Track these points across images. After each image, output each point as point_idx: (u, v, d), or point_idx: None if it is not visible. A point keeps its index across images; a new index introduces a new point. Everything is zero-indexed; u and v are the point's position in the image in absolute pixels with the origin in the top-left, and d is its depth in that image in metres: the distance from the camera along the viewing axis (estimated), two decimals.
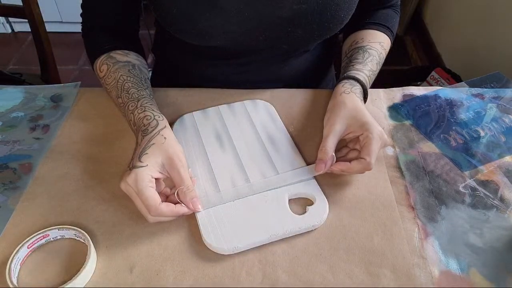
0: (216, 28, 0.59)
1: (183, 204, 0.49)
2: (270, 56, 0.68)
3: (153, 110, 0.55)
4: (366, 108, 0.62)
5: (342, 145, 0.57)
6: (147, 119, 0.53)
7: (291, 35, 0.61)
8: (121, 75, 0.59)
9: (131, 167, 0.48)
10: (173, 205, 0.48)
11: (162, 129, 0.52)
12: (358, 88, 0.59)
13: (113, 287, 0.45)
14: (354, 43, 0.68)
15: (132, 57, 0.63)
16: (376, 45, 0.66)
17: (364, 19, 0.70)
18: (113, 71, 0.60)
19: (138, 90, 0.57)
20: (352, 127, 0.54)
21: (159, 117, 0.54)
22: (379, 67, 0.66)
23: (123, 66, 0.61)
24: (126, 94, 0.57)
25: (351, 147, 0.56)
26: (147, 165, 0.48)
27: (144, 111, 0.54)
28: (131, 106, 0.56)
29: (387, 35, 0.69)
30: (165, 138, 0.51)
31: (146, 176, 0.47)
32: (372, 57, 0.64)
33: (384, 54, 0.67)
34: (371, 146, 0.51)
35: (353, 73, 0.61)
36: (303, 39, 0.62)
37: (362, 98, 0.59)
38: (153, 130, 0.51)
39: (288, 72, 0.72)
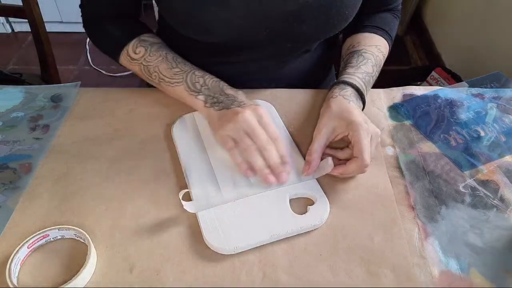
0: (220, 22, 0.59)
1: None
2: (273, 54, 0.68)
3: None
4: (367, 108, 0.62)
5: (344, 145, 0.57)
6: (224, 83, 0.61)
7: (296, 31, 0.61)
8: (166, 52, 0.63)
9: (248, 104, 0.57)
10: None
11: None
12: (348, 91, 0.59)
13: (113, 287, 0.45)
14: (351, 47, 0.68)
15: (159, 39, 0.67)
16: (372, 48, 0.66)
17: (362, 22, 0.70)
18: (154, 50, 0.64)
19: (192, 64, 0.63)
20: (339, 128, 0.55)
21: None
22: (376, 69, 0.66)
23: (162, 46, 0.65)
24: (184, 65, 0.62)
25: (350, 148, 0.56)
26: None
27: (216, 77, 0.61)
28: (199, 73, 0.61)
29: (384, 38, 0.69)
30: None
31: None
32: (366, 60, 0.64)
33: (381, 57, 0.67)
34: (360, 144, 0.52)
35: (343, 77, 0.61)
36: (307, 36, 0.62)
37: (354, 100, 0.58)
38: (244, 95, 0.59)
39: (289, 73, 0.72)
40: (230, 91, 0.59)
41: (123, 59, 0.66)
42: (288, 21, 0.59)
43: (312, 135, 0.60)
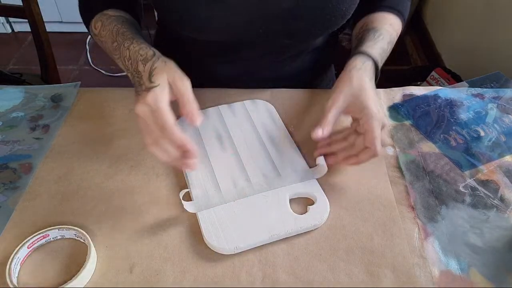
0: (215, 19, 0.59)
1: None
2: (272, 52, 0.68)
3: (147, 44, 0.55)
4: None
5: (348, 132, 0.57)
6: (143, 50, 0.54)
7: (293, 27, 0.60)
8: (115, 25, 0.59)
9: (144, 89, 0.49)
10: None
11: (160, 56, 0.53)
12: (369, 64, 0.58)
13: (113, 287, 0.45)
14: (364, 25, 0.67)
15: (124, 13, 0.64)
16: (387, 26, 0.65)
17: (374, 2, 0.69)
18: (107, 24, 0.60)
19: (133, 33, 0.58)
20: (353, 107, 0.54)
21: (153, 48, 0.54)
22: (390, 47, 0.65)
23: (117, 19, 0.61)
24: (121, 37, 0.57)
25: (358, 130, 0.55)
26: (159, 84, 0.48)
27: (139, 44, 0.55)
28: (127, 44, 0.56)
29: (397, 17, 0.68)
30: (165, 62, 0.51)
31: (165, 93, 0.48)
32: (382, 36, 0.63)
33: (395, 35, 0.66)
34: (373, 134, 0.51)
35: (364, 49, 0.60)
36: (304, 32, 0.62)
37: (371, 75, 0.58)
38: (152, 57, 0.52)
39: (289, 73, 0.72)
40: (140, 66, 0.53)
41: (92, 34, 0.65)
42: (284, 18, 0.59)
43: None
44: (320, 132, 0.53)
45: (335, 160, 0.55)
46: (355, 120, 0.56)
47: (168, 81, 0.49)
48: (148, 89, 0.48)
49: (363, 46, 0.61)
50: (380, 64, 0.61)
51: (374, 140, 0.51)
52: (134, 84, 0.53)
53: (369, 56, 0.59)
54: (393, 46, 0.66)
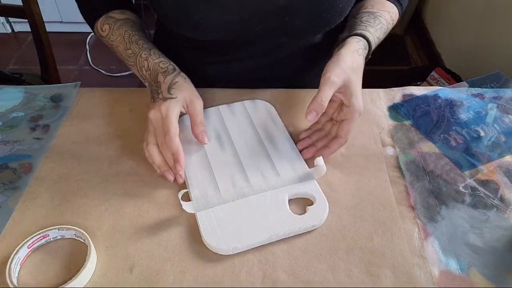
0: (211, 19, 0.59)
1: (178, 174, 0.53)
2: (270, 50, 0.68)
3: (166, 57, 0.61)
4: (366, 108, 0.62)
5: (325, 119, 0.59)
6: (163, 63, 0.59)
7: (289, 25, 0.60)
8: (125, 30, 0.63)
9: (162, 98, 0.55)
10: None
11: (180, 72, 0.59)
12: (366, 52, 0.59)
13: (113, 287, 0.45)
14: (363, 8, 0.66)
15: (129, 14, 0.66)
16: (385, 14, 0.65)
17: None
18: (116, 28, 0.64)
19: (147, 42, 0.62)
20: (344, 89, 0.55)
21: (172, 63, 0.60)
22: (383, 37, 0.65)
23: (125, 23, 0.64)
24: (136, 45, 0.62)
25: (335, 119, 0.57)
26: (177, 97, 0.55)
27: (158, 57, 0.60)
28: (144, 54, 0.60)
29: (395, 6, 0.68)
30: (184, 78, 0.58)
31: (177, 107, 0.55)
32: (381, 25, 0.63)
33: (391, 25, 0.67)
34: (349, 127, 0.54)
35: (367, 34, 0.60)
36: (301, 30, 0.61)
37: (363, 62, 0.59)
38: (173, 71, 0.58)
39: (288, 72, 0.72)
40: (160, 77, 0.58)
41: (97, 34, 0.67)
42: (280, 16, 0.59)
43: None
44: (313, 115, 0.53)
45: (319, 153, 0.57)
46: (332, 102, 0.56)
47: (185, 98, 0.56)
48: (165, 99, 0.54)
49: (366, 30, 0.61)
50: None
51: (348, 132, 0.54)
52: (151, 91, 0.58)
53: (369, 44, 0.60)
54: (385, 35, 0.66)
